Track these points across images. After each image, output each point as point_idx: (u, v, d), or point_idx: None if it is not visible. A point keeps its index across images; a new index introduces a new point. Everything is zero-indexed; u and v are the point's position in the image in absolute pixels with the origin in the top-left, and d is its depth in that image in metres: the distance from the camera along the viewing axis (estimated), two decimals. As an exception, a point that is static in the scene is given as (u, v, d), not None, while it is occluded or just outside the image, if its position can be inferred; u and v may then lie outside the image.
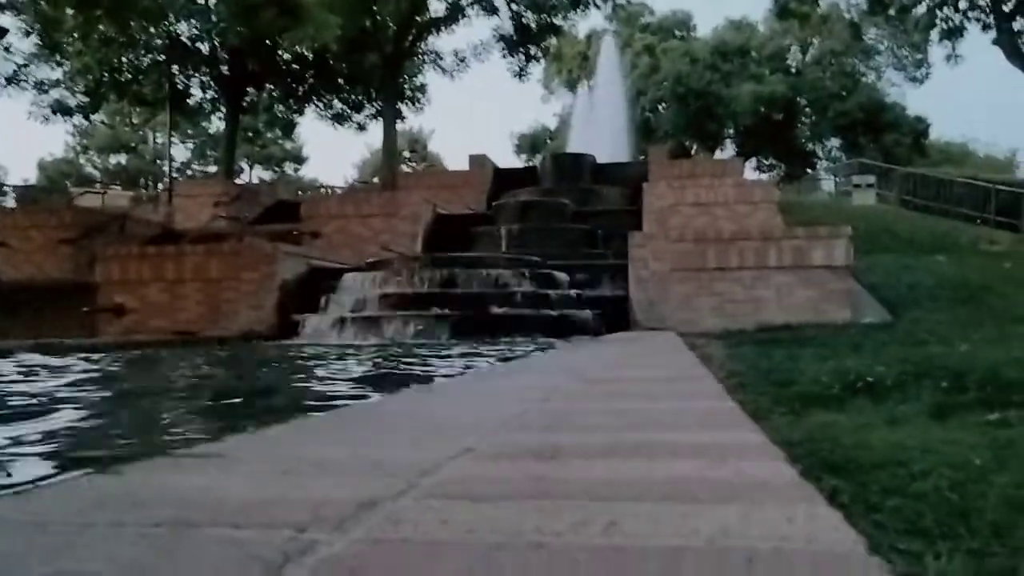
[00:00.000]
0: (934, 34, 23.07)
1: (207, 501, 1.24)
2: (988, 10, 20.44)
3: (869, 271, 12.33)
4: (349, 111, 31.03)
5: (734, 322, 10.83)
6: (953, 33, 22.23)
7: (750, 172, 35.20)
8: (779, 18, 31.07)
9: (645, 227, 15.47)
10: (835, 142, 43.69)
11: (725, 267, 11.62)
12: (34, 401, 4.03)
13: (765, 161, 44.64)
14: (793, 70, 42.87)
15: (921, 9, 22.49)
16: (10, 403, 3.93)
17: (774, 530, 1.04)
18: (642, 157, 26.08)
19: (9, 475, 2.07)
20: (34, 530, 1.10)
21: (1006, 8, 19.72)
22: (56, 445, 2.65)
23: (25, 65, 24.43)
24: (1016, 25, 19.61)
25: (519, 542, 1.01)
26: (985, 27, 20.73)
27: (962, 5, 21.43)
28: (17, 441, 2.63)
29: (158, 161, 52.20)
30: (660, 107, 41.32)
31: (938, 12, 22.14)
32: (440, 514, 1.15)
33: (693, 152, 39.77)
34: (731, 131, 42.21)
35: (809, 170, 43.02)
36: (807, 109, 42.14)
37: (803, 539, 1.00)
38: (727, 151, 42.31)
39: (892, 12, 23.02)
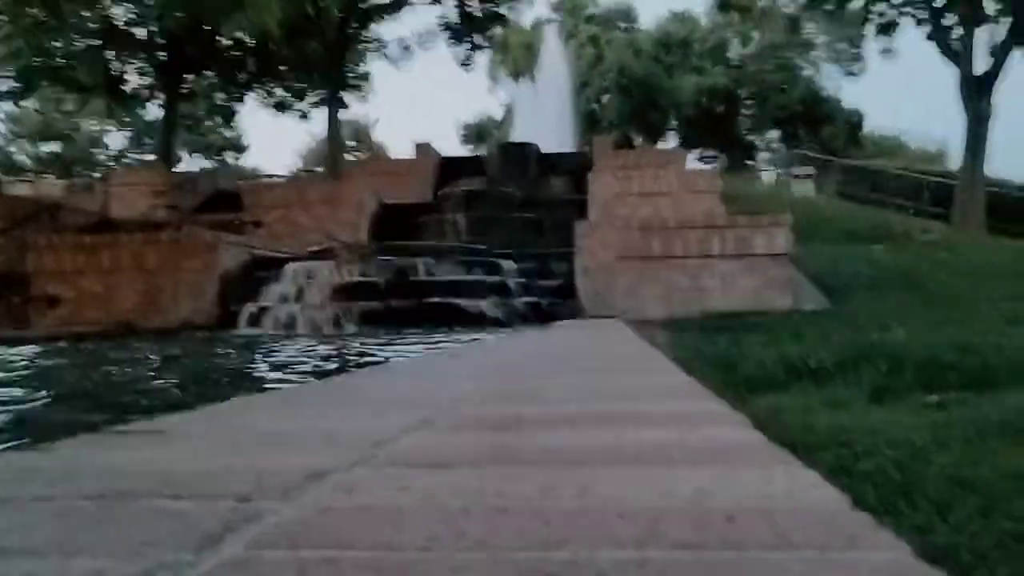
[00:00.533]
0: (869, 29, 23.58)
1: (144, 474, 1.14)
2: (920, 4, 20.96)
3: (809, 259, 12.53)
4: (291, 99, 30.47)
5: (680, 310, 10.90)
6: (887, 28, 22.74)
7: (693, 162, 35.57)
8: (720, 11, 31.53)
9: (591, 216, 15.49)
10: (775, 134, 44.45)
11: (670, 256, 11.68)
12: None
13: (707, 152, 45.25)
14: (734, 63, 43.48)
15: (856, 4, 22.96)
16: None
17: (755, 489, 0.99)
18: (587, 147, 26.15)
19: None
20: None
21: (937, 4, 20.23)
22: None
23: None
24: (947, 21, 20.12)
25: (486, 505, 0.95)
26: (919, 22, 21.23)
27: (896, 0, 21.91)
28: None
29: (92, 149, 50.71)
30: (604, 98, 41.53)
31: (872, 7, 22.63)
32: (398, 481, 1.07)
33: (637, 143, 40.08)
34: (674, 122, 42.62)
35: (750, 161, 43.71)
36: (748, 101, 42.77)
37: (786, 497, 0.96)
38: (670, 142, 42.75)
39: (829, 7, 23.45)
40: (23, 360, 6.31)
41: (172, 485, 1.07)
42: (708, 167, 39.22)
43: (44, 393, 4.22)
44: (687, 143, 39.58)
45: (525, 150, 22.67)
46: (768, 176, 35.75)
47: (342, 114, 30.05)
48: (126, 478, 1.12)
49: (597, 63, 41.02)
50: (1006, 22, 18.88)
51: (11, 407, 3.37)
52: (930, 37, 19.68)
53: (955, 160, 22.79)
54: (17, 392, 4.03)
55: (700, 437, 1.37)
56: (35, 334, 10.32)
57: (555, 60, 33.75)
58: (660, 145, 40.99)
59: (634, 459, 1.21)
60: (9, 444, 2.10)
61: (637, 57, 40.31)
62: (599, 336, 6.44)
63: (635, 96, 39.81)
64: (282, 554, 0.82)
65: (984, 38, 19.74)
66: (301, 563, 0.79)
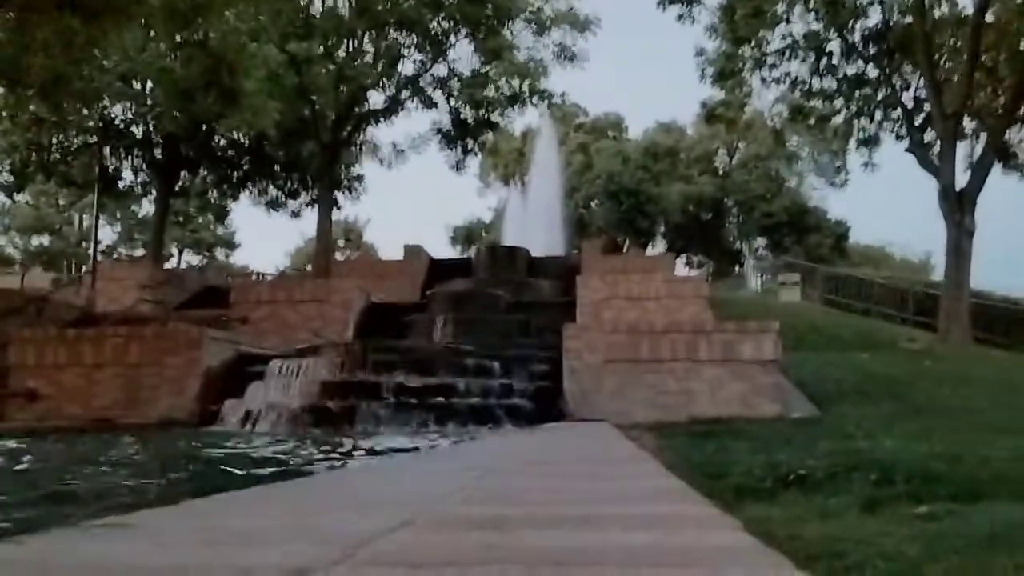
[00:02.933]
0: (851, 142, 24.33)
1: (117, 568, 1.11)
2: (900, 122, 21.70)
3: (796, 366, 12.52)
4: (284, 198, 30.85)
5: (667, 414, 10.82)
6: (869, 142, 23.46)
7: (680, 268, 36.08)
8: (707, 122, 32.44)
9: (579, 319, 15.55)
10: (761, 241, 45.20)
11: (658, 359, 11.67)
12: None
13: (694, 257, 45.86)
14: (721, 172, 44.59)
15: (839, 119, 23.77)
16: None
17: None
18: (576, 251, 26.50)
19: None
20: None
21: (917, 121, 20.96)
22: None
23: (-53, 142, 23.76)
24: (927, 137, 20.81)
25: (471, 606, 0.92)
26: (899, 137, 21.94)
27: (877, 116, 22.69)
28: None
29: (83, 243, 50.95)
30: (593, 203, 42.35)
31: (855, 122, 23.41)
32: (380, 580, 1.04)
33: (625, 248, 40.62)
34: (662, 228, 43.37)
35: (737, 267, 44.30)
36: (734, 209, 43.66)
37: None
38: (658, 247, 43.35)
39: (812, 121, 24.26)
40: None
41: (146, 580, 1.04)
42: (695, 273, 39.71)
43: (16, 486, 4.11)
44: (674, 249, 40.23)
45: (514, 253, 22.93)
46: (754, 283, 36.17)
47: (334, 214, 30.44)
48: (99, 571, 1.08)
49: (586, 170, 42.01)
50: (984, 138, 19.58)
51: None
52: (909, 150, 20.29)
53: (939, 270, 23.22)
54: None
55: (689, 539, 1.35)
56: (10, 427, 10.12)
57: (546, 166, 34.53)
58: (648, 250, 41.59)
59: (620, 560, 1.19)
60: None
61: (625, 165, 41.34)
62: (586, 439, 6.37)
63: (623, 202, 40.61)
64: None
65: (965, 151, 20.44)
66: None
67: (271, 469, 4.58)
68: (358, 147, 29.71)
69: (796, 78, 22.50)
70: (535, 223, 30.63)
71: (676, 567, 1.12)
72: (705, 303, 17.19)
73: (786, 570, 1.10)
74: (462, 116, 28.69)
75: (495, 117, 29.04)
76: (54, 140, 24.75)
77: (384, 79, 27.47)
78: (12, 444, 7.39)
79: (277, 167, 28.75)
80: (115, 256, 48.11)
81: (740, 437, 6.77)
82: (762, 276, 34.79)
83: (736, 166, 44.54)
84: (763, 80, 22.50)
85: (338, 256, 41.32)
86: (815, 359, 13.47)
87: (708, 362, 11.59)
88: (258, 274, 39.72)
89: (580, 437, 6.61)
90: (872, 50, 21.13)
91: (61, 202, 45.52)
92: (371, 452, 5.98)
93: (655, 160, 42.29)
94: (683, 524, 1.52)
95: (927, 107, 20.44)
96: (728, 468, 3.85)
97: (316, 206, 28.40)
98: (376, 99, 28.00)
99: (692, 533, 1.40)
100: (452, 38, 27.37)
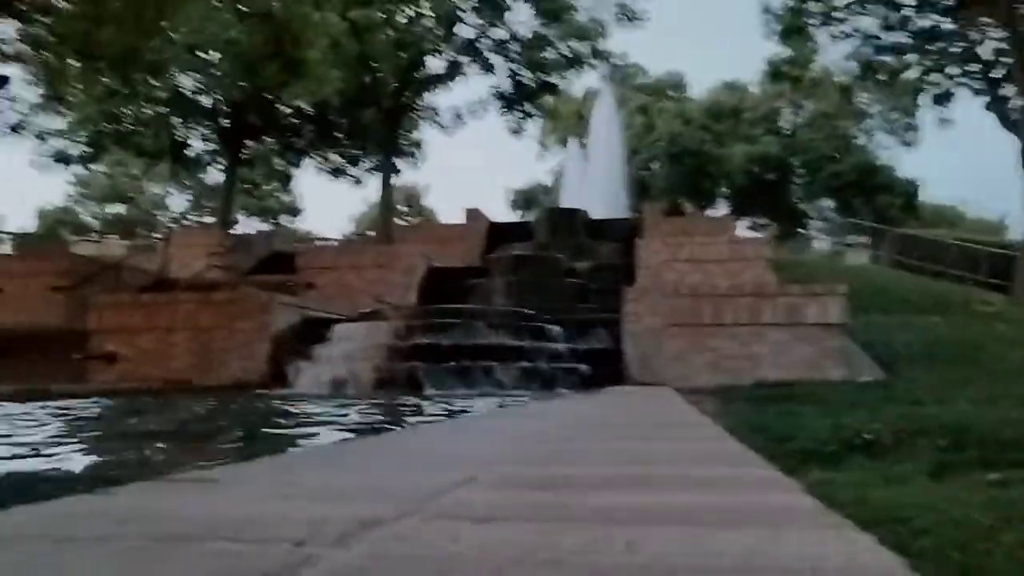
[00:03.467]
0: (924, 98, 23.49)
1: (200, 518, 1.18)
2: (977, 77, 20.83)
3: (864, 330, 12.29)
4: (346, 164, 31.23)
5: (729, 378, 10.74)
6: (943, 98, 22.62)
7: (743, 230, 35.42)
8: (772, 80, 31.68)
9: (639, 282, 15.45)
10: (828, 202, 44.09)
11: (720, 323, 11.56)
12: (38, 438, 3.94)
13: (758, 220, 45.01)
14: (786, 131, 43.50)
15: (911, 75, 22.93)
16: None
17: (807, 550, 0.98)
18: (636, 214, 26.24)
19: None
20: (7, 544, 1.03)
21: (995, 75, 20.10)
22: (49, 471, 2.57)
23: (29, 114, 24.60)
24: (1005, 91, 19.95)
25: (535, 558, 0.95)
26: (977, 92, 21.09)
27: (951, 71, 21.83)
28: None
29: (155, 211, 52.44)
30: (654, 165, 41.78)
31: (927, 77, 22.57)
32: (448, 533, 1.09)
33: (687, 210, 40.09)
34: (725, 190, 42.61)
35: (801, 230, 43.36)
36: (800, 170, 42.63)
37: (839, 558, 0.94)
38: (720, 209, 42.65)
39: (882, 77, 23.46)
40: (88, 411, 6.46)
41: (228, 529, 1.10)
42: (758, 235, 39.00)
43: (104, 441, 4.32)
44: (737, 211, 39.48)
45: (574, 216, 22.81)
46: (820, 245, 35.36)
47: (394, 180, 30.70)
48: (183, 521, 1.15)
49: (647, 132, 41.40)
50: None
51: (79, 454, 3.46)
52: (988, 107, 19.51)
53: (1016, 231, 22.33)
54: (74, 440, 4.13)
55: (750, 500, 1.36)
56: (94, 388, 10.56)
57: (606, 128, 34.13)
58: (710, 213, 40.96)
59: (682, 519, 1.21)
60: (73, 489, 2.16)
61: (687, 126, 40.61)
62: (646, 402, 6.38)
63: (685, 164, 39.98)
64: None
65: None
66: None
67: (338, 429, 4.71)
68: (418, 113, 29.81)
69: (866, 33, 21.70)
70: (595, 186, 30.39)
71: (736, 527, 1.14)
72: (769, 265, 16.91)
73: (848, 531, 1.11)
74: (521, 79, 28.51)
75: (554, 80, 28.80)
76: (126, 111, 25.42)
77: (443, 44, 27.44)
78: (98, 403, 7.73)
79: (339, 134, 29.07)
80: (186, 223, 49.42)
81: (804, 401, 6.70)
82: (829, 238, 34.02)
83: (802, 125, 43.34)
84: (832, 36, 21.77)
85: (399, 222, 41.72)
86: (883, 322, 13.20)
87: (772, 325, 11.44)
88: (323, 240, 40.41)
89: (640, 400, 6.62)
90: (948, 1, 20.24)
91: (134, 171, 46.78)
92: (433, 413, 6.10)
93: (718, 120, 41.42)
94: (743, 486, 1.53)
95: (1005, 61, 19.54)
96: (792, 432, 3.82)
97: (377, 172, 28.69)
98: (435, 64, 28.02)
99: (753, 495, 1.42)
100: (510, 0, 27.14)
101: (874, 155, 41.32)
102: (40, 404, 6.95)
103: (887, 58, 22.47)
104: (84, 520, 1.17)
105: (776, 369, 10.98)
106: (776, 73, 26.10)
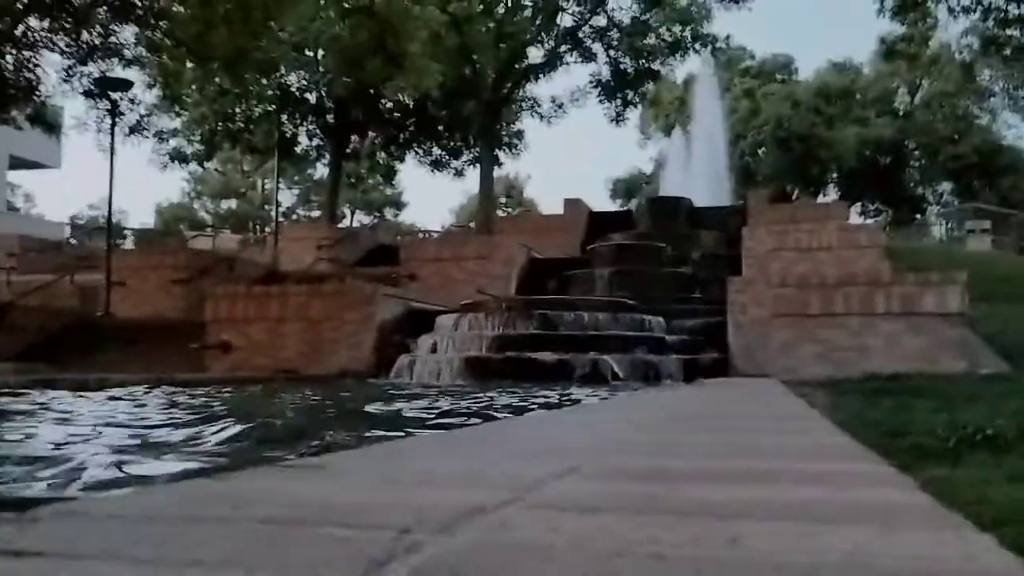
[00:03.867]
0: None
1: (310, 503, 1.23)
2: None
3: (986, 321, 11.70)
4: (447, 157, 31.65)
5: (839, 370, 10.40)
6: (1075, 73, 21.24)
7: (855, 217, 34.05)
8: (885, 59, 30.39)
9: (744, 272, 15.11)
10: (946, 186, 42.02)
11: (829, 313, 11.21)
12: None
13: (870, 206, 43.23)
14: (901, 112, 41.58)
15: (1039, 48, 21.57)
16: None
17: (921, 550, 0.94)
18: (741, 202, 25.64)
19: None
20: (142, 522, 1.10)
21: None
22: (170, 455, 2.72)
23: (147, 115, 25.95)
24: None
25: (637, 551, 0.95)
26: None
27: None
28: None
29: (265, 206, 54.48)
30: (760, 151, 40.67)
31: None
32: (549, 522, 1.10)
33: (794, 196, 38.88)
34: (834, 175, 41.09)
35: (918, 215, 41.45)
36: (916, 152, 40.71)
37: (957, 559, 0.91)
38: (830, 195, 41.19)
39: (1007, 52, 22.13)
40: (205, 400, 6.81)
41: (337, 515, 1.14)
42: (871, 222, 37.52)
43: (222, 428, 4.55)
44: (848, 197, 37.99)
45: (676, 204, 22.49)
46: (938, 231, 33.71)
47: (495, 171, 30.90)
48: (295, 506, 1.20)
49: (752, 116, 40.32)
50: None
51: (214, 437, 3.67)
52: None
53: None
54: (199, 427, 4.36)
55: (860, 497, 1.32)
56: (211, 377, 11.08)
57: (709, 114, 33.46)
58: (820, 199, 39.63)
59: (787, 514, 1.18)
60: (194, 473, 2.28)
61: (795, 109, 39.32)
62: (752, 394, 6.24)
63: (793, 149, 38.76)
64: (442, 583, 0.86)
65: None
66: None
67: (442, 418, 4.80)
68: (518, 104, 29.90)
69: (990, 5, 20.46)
70: (698, 173, 29.86)
71: (847, 523, 1.11)
72: (882, 253, 16.27)
73: (968, 531, 1.06)
74: (622, 67, 28.22)
75: (656, 66, 28.40)
76: (237, 110, 26.47)
77: (543, 33, 27.44)
78: (222, 392, 8.12)
79: (440, 127, 29.48)
80: (294, 217, 51.17)
81: (920, 394, 6.43)
82: (947, 224, 32.43)
83: (918, 105, 41.34)
84: (950, 10, 20.65)
85: (500, 213, 42.02)
86: (1008, 312, 12.53)
87: (885, 315, 11.04)
88: (425, 232, 41.12)
89: (745, 393, 6.48)
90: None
91: (245, 168, 48.81)
92: (535, 403, 6.13)
93: (828, 102, 39.91)
94: (855, 482, 1.48)
95: None
96: (906, 427, 3.67)
97: (478, 164, 28.95)
98: (535, 55, 28.06)
99: (865, 491, 1.37)
100: (611, -13, 26.88)
101: (998, 135, 39.11)
102: (171, 391, 7.36)
103: (1013, 31, 21.16)
104: (206, 503, 1.24)
105: (888, 360, 10.57)
106: (890, 51, 25.03)
